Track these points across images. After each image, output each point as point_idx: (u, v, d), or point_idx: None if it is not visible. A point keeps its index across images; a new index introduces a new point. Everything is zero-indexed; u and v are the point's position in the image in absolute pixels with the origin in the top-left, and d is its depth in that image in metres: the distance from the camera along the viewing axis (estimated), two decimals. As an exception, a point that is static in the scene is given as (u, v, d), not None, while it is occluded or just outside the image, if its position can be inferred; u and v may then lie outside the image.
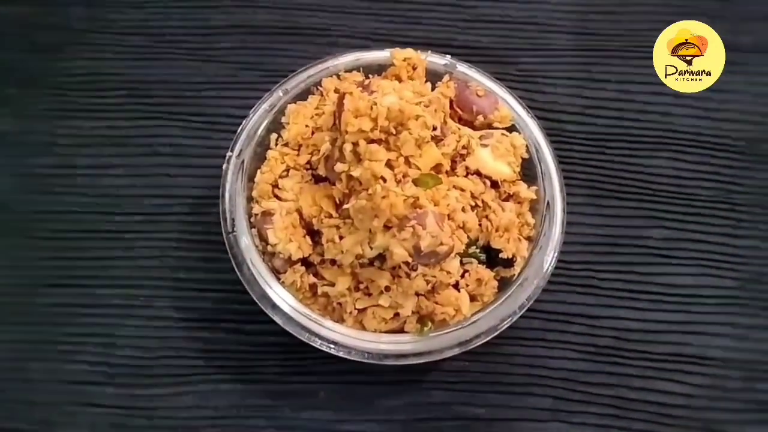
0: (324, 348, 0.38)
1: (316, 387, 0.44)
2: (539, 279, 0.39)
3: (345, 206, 0.36)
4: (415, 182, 0.35)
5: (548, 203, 0.41)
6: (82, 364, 0.44)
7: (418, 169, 0.36)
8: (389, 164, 0.35)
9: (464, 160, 0.39)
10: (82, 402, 0.43)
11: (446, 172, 0.38)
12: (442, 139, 0.39)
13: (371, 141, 0.35)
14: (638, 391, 0.45)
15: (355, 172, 0.35)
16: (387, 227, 0.36)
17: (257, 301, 0.39)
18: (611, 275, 0.48)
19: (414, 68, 0.42)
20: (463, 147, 0.39)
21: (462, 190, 0.38)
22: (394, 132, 0.35)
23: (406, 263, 0.37)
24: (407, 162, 0.36)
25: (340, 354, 0.38)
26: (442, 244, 0.35)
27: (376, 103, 0.35)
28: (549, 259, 0.39)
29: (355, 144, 0.35)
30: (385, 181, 0.34)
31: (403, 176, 0.35)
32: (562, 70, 0.55)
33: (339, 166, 0.36)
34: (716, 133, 0.53)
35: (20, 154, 0.50)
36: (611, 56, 0.55)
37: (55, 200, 0.48)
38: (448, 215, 0.36)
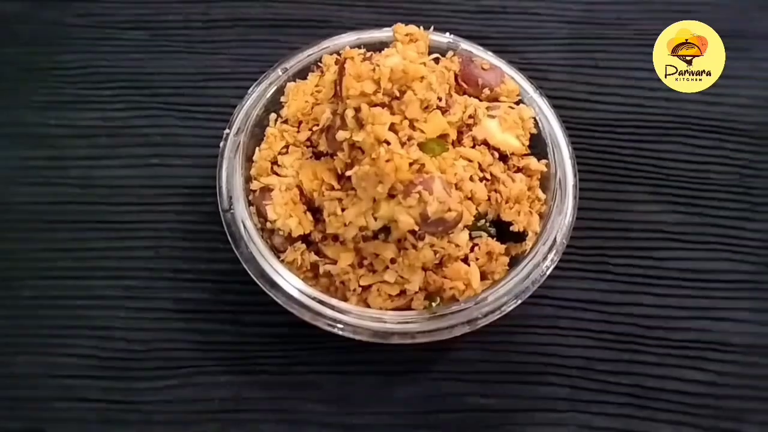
0: (327, 328, 0.36)
1: (320, 378, 0.41)
2: (553, 253, 0.37)
3: (348, 173, 0.34)
4: (421, 147, 0.34)
5: (559, 177, 0.39)
6: (72, 357, 0.42)
7: (423, 133, 0.34)
8: (393, 128, 0.34)
9: (471, 130, 0.38)
10: (72, 397, 0.41)
11: (452, 142, 0.37)
12: (447, 110, 0.37)
13: (374, 105, 0.33)
14: (659, 379, 0.42)
15: (358, 137, 0.33)
16: (391, 196, 0.34)
17: (256, 280, 0.37)
18: (625, 260, 0.46)
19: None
20: (470, 117, 0.38)
21: (469, 160, 0.37)
22: (398, 95, 0.34)
23: (413, 233, 0.35)
24: (412, 126, 0.34)
25: (345, 334, 0.36)
26: (450, 210, 0.33)
27: (378, 65, 0.33)
28: (563, 232, 0.38)
29: (357, 109, 0.34)
30: (389, 144, 0.33)
31: (408, 139, 0.34)
32: (566, 59, 0.54)
33: (341, 134, 0.35)
34: (725, 117, 0.52)
35: (11, 146, 0.48)
36: (616, 44, 0.54)
37: (48, 191, 0.47)
38: (456, 184, 0.35)
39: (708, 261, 0.46)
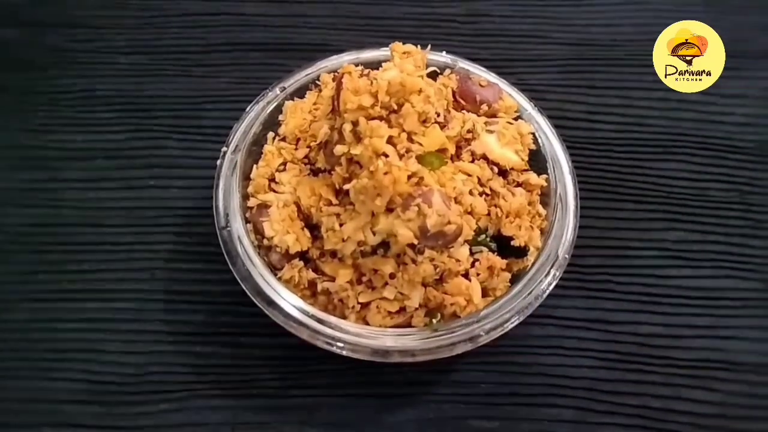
0: (326, 347, 0.35)
1: (318, 401, 0.40)
2: (555, 269, 0.36)
3: (345, 186, 0.34)
4: (419, 160, 0.33)
5: (560, 192, 0.39)
6: (63, 381, 0.41)
7: (422, 146, 0.34)
8: (391, 141, 0.33)
9: (469, 144, 0.37)
10: (61, 422, 0.39)
11: (451, 157, 0.37)
12: (445, 125, 0.37)
13: (372, 118, 0.33)
14: (667, 399, 0.41)
15: (356, 151, 0.33)
16: (390, 210, 0.33)
17: (252, 299, 0.36)
18: (629, 278, 0.45)
19: (414, 63, 0.41)
20: (468, 131, 0.37)
21: (468, 175, 0.36)
22: (396, 108, 0.33)
23: (412, 247, 0.34)
24: (410, 139, 0.34)
25: (344, 352, 0.35)
26: (449, 223, 0.32)
27: (376, 79, 0.33)
28: (565, 247, 0.37)
29: (355, 123, 0.33)
30: (387, 157, 0.32)
31: (406, 151, 0.33)
32: (563, 79, 0.54)
33: (338, 149, 0.34)
34: (724, 135, 0.52)
35: (8, 168, 0.48)
36: (612, 65, 0.55)
37: (43, 213, 0.46)
38: (455, 198, 0.34)
39: (712, 279, 0.46)
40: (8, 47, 0.54)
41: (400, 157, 0.33)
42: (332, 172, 0.36)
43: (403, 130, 0.34)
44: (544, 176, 0.39)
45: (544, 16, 0.58)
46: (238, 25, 0.56)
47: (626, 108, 0.53)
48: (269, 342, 0.42)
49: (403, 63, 0.34)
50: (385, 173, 0.32)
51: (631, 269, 0.46)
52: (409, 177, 0.33)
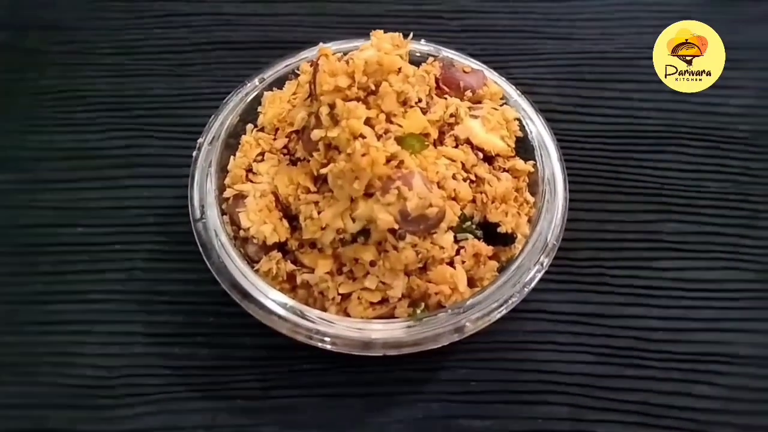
0: (306, 340, 0.33)
1: (301, 401, 0.38)
2: (545, 256, 0.35)
3: (323, 171, 0.33)
4: (399, 142, 0.32)
5: (548, 178, 0.37)
6: (37, 385, 0.39)
7: (401, 127, 0.32)
8: (369, 123, 0.32)
9: (452, 129, 0.36)
10: (35, 428, 0.38)
11: (434, 142, 0.35)
12: (427, 111, 0.36)
13: (349, 100, 0.32)
14: (666, 395, 0.40)
15: (333, 134, 0.32)
16: (369, 195, 0.32)
17: (229, 292, 0.35)
18: (624, 272, 0.44)
19: (396, 51, 0.40)
20: (451, 116, 0.36)
21: (452, 160, 0.35)
22: (374, 89, 0.32)
23: (393, 233, 0.33)
24: (389, 120, 0.32)
25: (325, 346, 0.33)
26: (431, 206, 0.31)
27: (353, 59, 0.32)
28: (555, 233, 0.35)
29: (332, 106, 0.32)
30: (364, 138, 0.31)
31: (385, 132, 0.32)
32: (553, 73, 0.53)
33: (315, 133, 0.33)
34: (718, 126, 0.50)
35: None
36: (602, 57, 0.54)
37: (18, 214, 0.45)
38: (438, 183, 0.33)
39: (710, 270, 0.44)
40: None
41: (379, 138, 0.32)
42: (311, 160, 0.35)
43: (382, 111, 0.32)
44: (531, 162, 0.38)
45: (531, 11, 0.57)
46: (221, 25, 0.55)
47: (618, 100, 0.52)
48: (249, 342, 0.40)
49: (381, 42, 0.33)
50: (363, 155, 0.31)
51: (625, 262, 0.44)
52: (389, 159, 0.31)
